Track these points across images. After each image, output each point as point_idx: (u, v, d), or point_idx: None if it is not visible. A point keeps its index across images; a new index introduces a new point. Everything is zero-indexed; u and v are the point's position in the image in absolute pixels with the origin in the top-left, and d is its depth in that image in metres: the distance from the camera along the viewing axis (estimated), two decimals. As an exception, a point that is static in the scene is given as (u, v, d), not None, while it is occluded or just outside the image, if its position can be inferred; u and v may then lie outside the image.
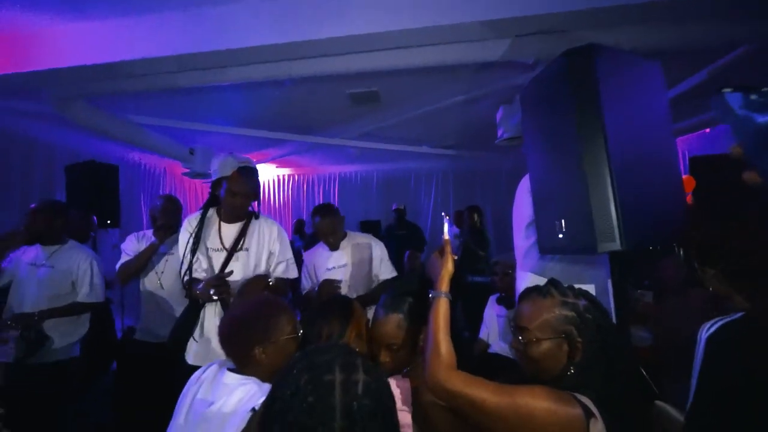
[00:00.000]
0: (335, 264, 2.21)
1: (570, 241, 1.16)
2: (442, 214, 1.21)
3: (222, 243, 1.75)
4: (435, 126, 4.22)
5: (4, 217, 3.11)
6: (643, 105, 1.20)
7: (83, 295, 2.14)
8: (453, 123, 4.14)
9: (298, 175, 6.50)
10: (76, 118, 2.84)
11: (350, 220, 6.22)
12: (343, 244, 2.25)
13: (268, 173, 6.37)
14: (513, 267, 2.16)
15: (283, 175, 6.50)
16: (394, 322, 1.08)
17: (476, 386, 0.84)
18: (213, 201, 1.80)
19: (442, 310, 0.99)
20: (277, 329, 1.04)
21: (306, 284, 2.33)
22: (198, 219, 1.77)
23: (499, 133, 3.67)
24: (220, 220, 1.79)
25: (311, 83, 2.94)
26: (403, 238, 4.77)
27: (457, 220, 4.97)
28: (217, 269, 1.72)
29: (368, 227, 5.38)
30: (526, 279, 1.79)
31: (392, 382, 0.92)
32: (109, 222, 3.27)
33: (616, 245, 1.02)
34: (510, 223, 1.85)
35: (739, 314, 0.98)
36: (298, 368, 0.63)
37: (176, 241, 1.87)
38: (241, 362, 1.03)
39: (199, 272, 1.74)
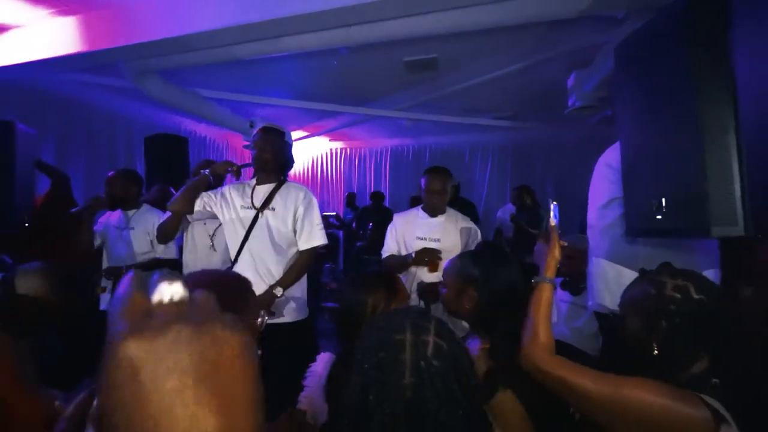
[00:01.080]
0: (427, 235, 2.05)
1: (672, 222, 0.98)
2: (550, 200, 1.13)
3: (252, 202, 1.86)
4: (494, 95, 3.92)
5: (96, 185, 3.44)
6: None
7: (160, 251, 2.36)
8: (514, 91, 3.82)
9: (351, 149, 6.49)
10: (151, 92, 3.01)
11: (402, 196, 6.16)
12: (443, 217, 2.09)
13: (322, 147, 6.44)
14: (579, 250, 1.96)
15: (336, 149, 6.53)
16: (452, 262, 1.16)
17: (576, 372, 0.83)
18: (252, 164, 1.92)
19: (545, 295, 0.99)
20: None
21: (391, 246, 2.17)
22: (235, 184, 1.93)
23: (570, 101, 3.31)
24: (256, 183, 1.91)
25: (367, 51, 2.83)
26: (456, 215, 4.61)
27: (514, 199, 4.70)
28: (247, 226, 1.83)
29: (419, 203, 5.28)
30: (600, 266, 1.61)
31: None
32: (180, 193, 3.49)
33: (739, 230, 0.84)
34: (574, 202, 1.66)
35: None
36: (375, 327, 0.69)
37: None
38: None
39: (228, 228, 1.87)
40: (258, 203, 1.84)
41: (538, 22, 2.08)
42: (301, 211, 1.86)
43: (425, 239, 2.04)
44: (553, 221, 1.11)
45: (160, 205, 2.83)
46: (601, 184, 1.56)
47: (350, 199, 5.74)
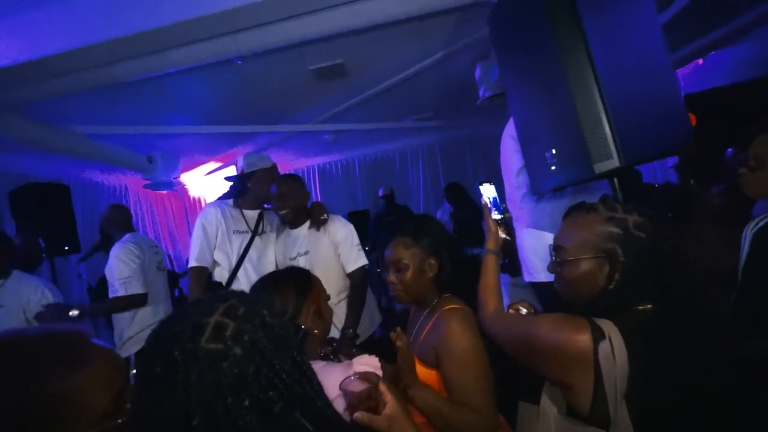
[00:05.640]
0: (294, 251, 2.08)
1: (563, 170, 1.10)
2: (477, 184, 1.30)
3: (248, 225, 2.12)
4: (411, 96, 4.15)
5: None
6: (627, 10, 1.14)
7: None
8: (430, 90, 4.07)
9: (274, 174, 6.37)
10: (10, 134, 2.71)
11: (335, 212, 6.11)
12: (305, 226, 2.12)
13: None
14: (508, 230, 2.11)
15: (258, 176, 6.37)
16: (400, 242, 1.25)
17: (501, 323, 0.98)
18: (240, 191, 2.16)
19: (489, 265, 1.16)
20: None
21: None
22: (221, 209, 2.10)
23: (480, 92, 3.60)
24: (241, 208, 2.15)
25: (269, 62, 2.84)
26: (393, 224, 4.71)
27: (448, 198, 4.95)
28: (241, 250, 2.06)
29: (357, 218, 5.32)
30: (525, 235, 1.73)
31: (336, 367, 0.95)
32: (67, 248, 3.15)
33: (614, 162, 0.97)
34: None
35: None
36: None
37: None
38: None
39: (223, 257, 2.05)
40: (252, 227, 2.15)
41: (430, 12, 2.25)
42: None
43: (294, 258, 2.04)
44: (484, 199, 1.29)
45: (32, 261, 2.55)
46: (510, 156, 1.71)
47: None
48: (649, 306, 0.84)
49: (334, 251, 2.04)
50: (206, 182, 5.66)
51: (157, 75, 2.46)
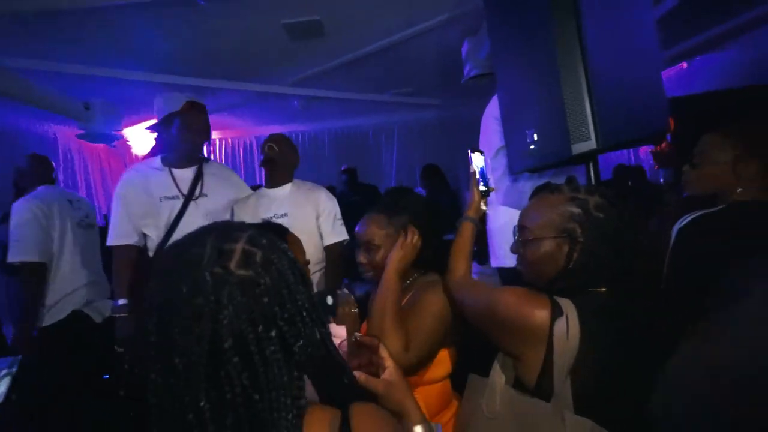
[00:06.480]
0: (272, 211, 2.06)
1: (542, 149, 1.19)
2: (469, 151, 1.38)
3: (178, 189, 1.89)
4: (392, 68, 4.15)
5: None
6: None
7: None
8: (413, 63, 4.09)
9: (232, 139, 6.22)
10: None
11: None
12: (288, 187, 2.13)
13: (194, 137, 6.04)
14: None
15: (213, 140, 6.19)
16: (373, 221, 1.26)
17: (466, 288, 1.06)
18: (161, 146, 1.98)
19: (465, 233, 1.22)
20: None
21: None
22: (142, 174, 1.91)
23: (466, 70, 3.68)
24: (170, 167, 1.92)
25: (236, 9, 2.76)
26: (357, 204, 4.74)
27: (422, 182, 5.04)
28: (171, 220, 1.85)
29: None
30: (496, 218, 1.84)
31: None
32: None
33: (591, 144, 1.06)
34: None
35: (716, 208, 1.12)
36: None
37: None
38: None
39: (150, 227, 1.89)
40: (185, 190, 1.93)
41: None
42: (237, 194, 2.11)
43: (269, 218, 2.03)
44: (471, 168, 1.35)
45: None
46: (491, 136, 1.79)
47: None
48: (604, 289, 0.94)
49: (315, 220, 2.06)
50: (152, 140, 5.45)
51: (102, 5, 2.33)
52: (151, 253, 1.93)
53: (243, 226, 0.65)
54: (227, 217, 1.95)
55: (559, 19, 1.14)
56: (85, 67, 3.43)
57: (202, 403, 0.54)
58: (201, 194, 1.92)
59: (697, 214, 1.20)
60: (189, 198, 1.89)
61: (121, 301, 1.84)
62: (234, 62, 3.70)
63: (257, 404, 0.56)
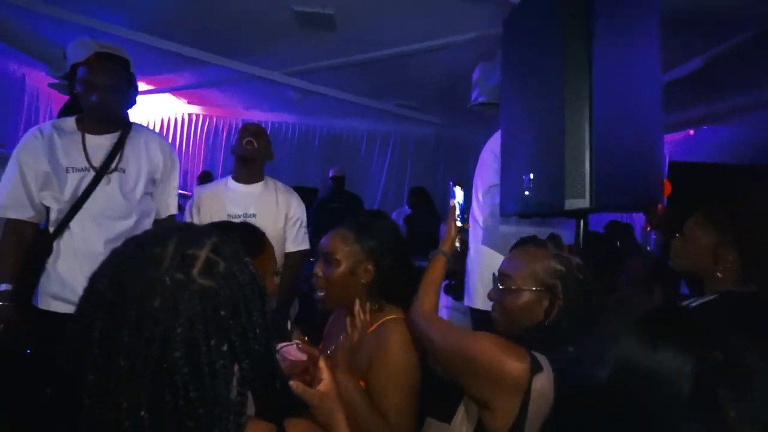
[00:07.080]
0: (241, 210, 2.04)
1: (536, 197, 1.23)
2: (450, 183, 1.39)
3: (88, 160, 1.62)
4: (399, 78, 4.21)
5: None
6: (635, 54, 1.29)
7: None
8: (420, 76, 4.16)
9: (216, 118, 6.16)
10: None
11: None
12: (260, 185, 2.15)
13: (176, 108, 5.96)
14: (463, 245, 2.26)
15: (195, 115, 6.11)
16: (340, 235, 1.27)
17: (434, 326, 1.07)
18: (72, 104, 1.71)
19: (436, 266, 1.25)
20: None
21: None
22: (48, 137, 1.62)
23: (474, 95, 3.76)
24: (84, 131, 1.66)
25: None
26: (338, 211, 4.74)
27: (409, 201, 5.11)
28: (77, 196, 1.60)
29: (302, 196, 5.27)
30: (479, 254, 1.87)
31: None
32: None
33: (585, 203, 1.10)
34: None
35: (710, 297, 1.18)
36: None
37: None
38: None
39: (51, 201, 1.63)
40: (97, 162, 1.64)
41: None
42: (161, 166, 1.80)
43: (235, 217, 1.99)
44: (452, 201, 1.36)
45: None
46: (486, 171, 1.84)
47: (204, 179, 5.40)
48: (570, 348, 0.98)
49: (283, 224, 2.07)
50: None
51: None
52: (51, 229, 1.66)
53: (207, 231, 0.66)
54: (147, 199, 1.75)
55: (572, 71, 1.20)
56: (70, 13, 3.37)
57: (142, 413, 0.54)
58: (117, 168, 1.66)
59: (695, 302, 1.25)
60: (101, 172, 1.63)
61: (3, 287, 1.55)
62: (232, 36, 3.67)
63: (201, 418, 0.56)
